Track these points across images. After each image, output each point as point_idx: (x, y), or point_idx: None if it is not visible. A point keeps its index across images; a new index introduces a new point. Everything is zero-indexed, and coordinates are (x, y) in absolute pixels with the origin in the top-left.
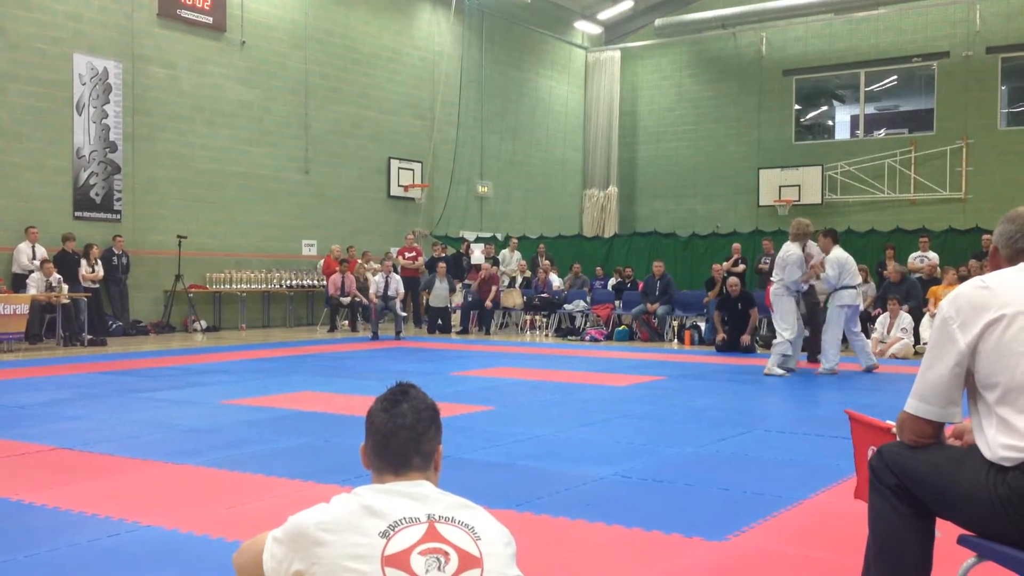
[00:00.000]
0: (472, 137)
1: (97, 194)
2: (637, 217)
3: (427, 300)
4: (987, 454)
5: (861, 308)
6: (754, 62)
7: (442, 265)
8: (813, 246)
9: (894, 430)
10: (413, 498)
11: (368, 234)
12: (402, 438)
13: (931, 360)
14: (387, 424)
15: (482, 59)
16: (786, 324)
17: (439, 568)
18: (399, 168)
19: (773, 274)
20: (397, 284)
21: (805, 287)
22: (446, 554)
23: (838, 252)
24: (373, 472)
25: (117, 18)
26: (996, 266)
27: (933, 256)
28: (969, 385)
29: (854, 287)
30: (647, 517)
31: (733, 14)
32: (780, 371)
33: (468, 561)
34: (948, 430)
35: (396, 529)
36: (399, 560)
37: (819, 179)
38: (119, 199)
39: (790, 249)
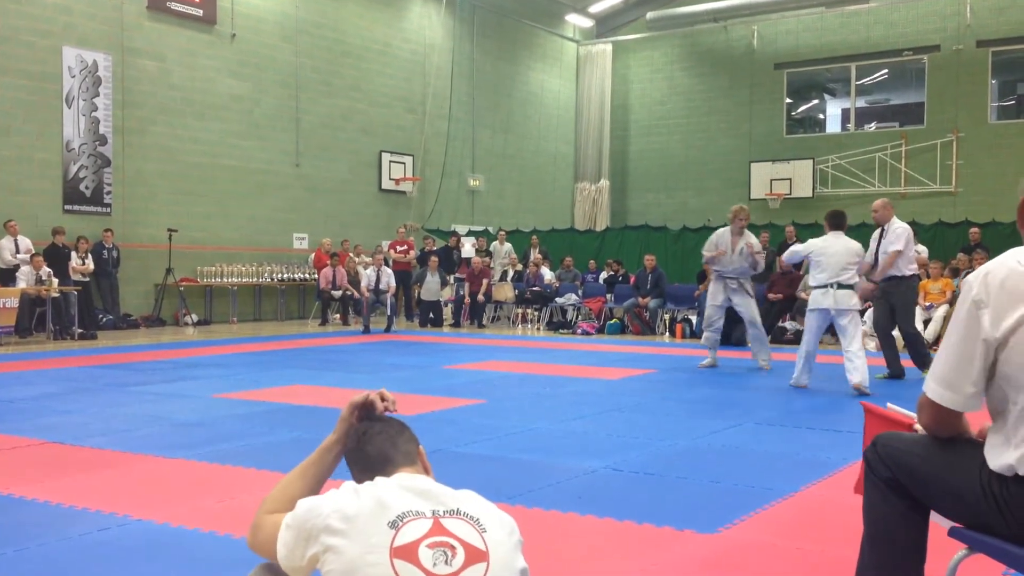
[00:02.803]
0: (463, 130)
1: (87, 187)
2: (629, 210)
3: (418, 294)
4: (996, 463)
5: (836, 311)
6: (745, 55)
7: (434, 259)
8: (750, 236)
9: (917, 426)
10: (416, 493)
11: (359, 227)
12: (377, 442)
13: (957, 346)
14: (361, 439)
15: (473, 52)
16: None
17: (446, 562)
18: (390, 161)
19: None
20: (388, 278)
21: (735, 274)
22: (453, 548)
23: (815, 240)
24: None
25: (107, 11)
26: None
27: (922, 249)
28: (992, 375)
29: (822, 287)
30: (638, 510)
31: (724, 7)
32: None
33: (474, 555)
34: (973, 428)
35: (404, 520)
36: (407, 552)
37: (810, 172)
38: (109, 192)
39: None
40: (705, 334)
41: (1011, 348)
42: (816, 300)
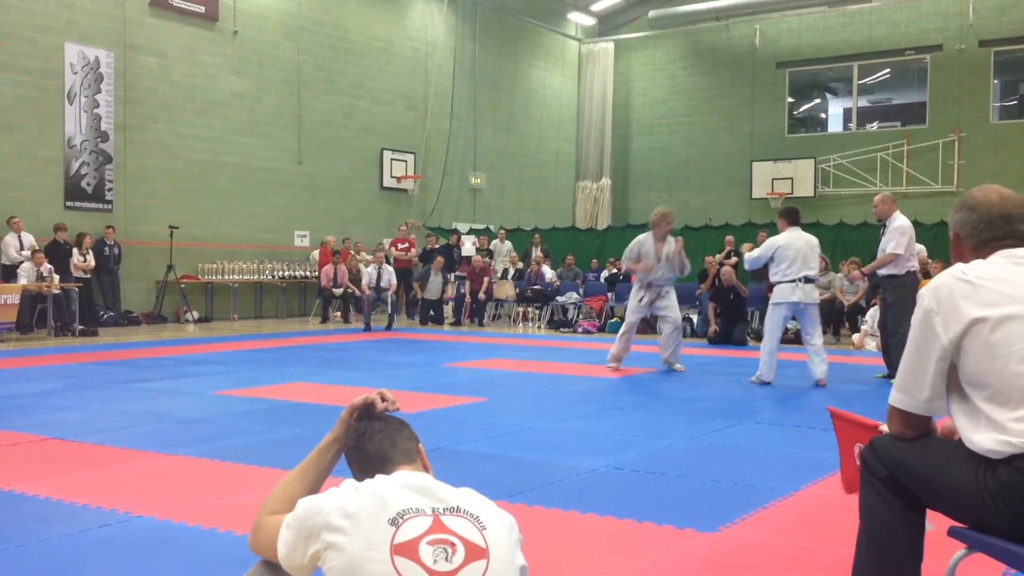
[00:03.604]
0: (465, 128)
1: (88, 184)
2: (630, 209)
3: (420, 292)
4: (974, 447)
5: (803, 304)
6: (747, 54)
7: (440, 259)
8: (671, 239)
9: (882, 428)
10: (417, 490)
11: (361, 225)
12: (377, 440)
13: (914, 354)
14: (360, 438)
15: (475, 50)
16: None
17: (447, 559)
18: (392, 159)
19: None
20: (390, 276)
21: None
22: (453, 545)
23: (777, 237)
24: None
25: (109, 7)
26: (959, 255)
27: (921, 248)
28: (952, 378)
29: (791, 281)
30: (639, 508)
31: (727, 6)
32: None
33: (474, 552)
34: (939, 423)
35: (404, 518)
36: (407, 549)
37: (812, 172)
38: (111, 189)
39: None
40: (619, 347)
41: (965, 351)
42: (784, 294)
